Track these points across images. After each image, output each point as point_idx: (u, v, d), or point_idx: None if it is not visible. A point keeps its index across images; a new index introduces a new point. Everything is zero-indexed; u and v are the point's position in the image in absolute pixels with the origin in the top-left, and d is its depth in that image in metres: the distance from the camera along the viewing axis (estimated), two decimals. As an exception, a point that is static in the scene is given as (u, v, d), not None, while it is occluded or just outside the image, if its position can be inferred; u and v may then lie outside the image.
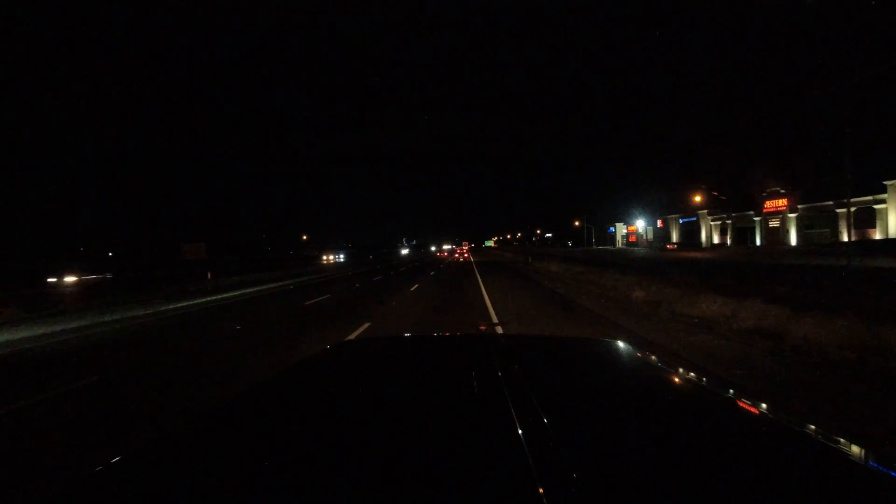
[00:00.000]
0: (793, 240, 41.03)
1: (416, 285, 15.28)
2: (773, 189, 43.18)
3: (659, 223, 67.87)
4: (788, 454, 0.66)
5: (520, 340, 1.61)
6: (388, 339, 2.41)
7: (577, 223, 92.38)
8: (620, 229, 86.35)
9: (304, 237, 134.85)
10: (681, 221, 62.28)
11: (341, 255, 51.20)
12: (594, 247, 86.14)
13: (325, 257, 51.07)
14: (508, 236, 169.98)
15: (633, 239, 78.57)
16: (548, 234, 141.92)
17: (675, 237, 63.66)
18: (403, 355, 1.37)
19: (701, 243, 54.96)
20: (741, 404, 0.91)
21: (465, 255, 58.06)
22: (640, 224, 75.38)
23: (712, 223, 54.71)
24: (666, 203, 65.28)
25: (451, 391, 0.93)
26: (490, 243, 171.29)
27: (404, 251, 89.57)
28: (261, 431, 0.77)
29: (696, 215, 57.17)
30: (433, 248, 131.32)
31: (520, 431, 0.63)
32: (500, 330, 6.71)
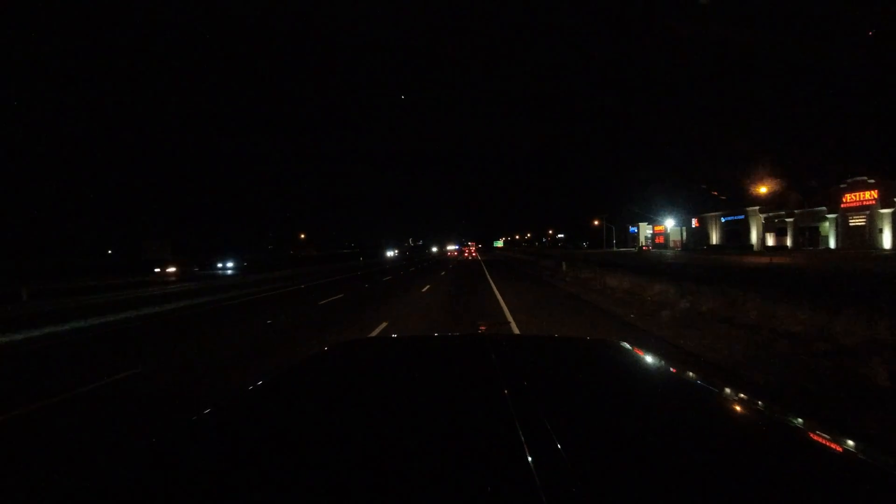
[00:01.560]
0: (886, 242, 32.84)
1: (385, 324, 7.83)
2: (857, 179, 34.97)
3: (694, 222, 59.65)
4: (799, 455, 0.68)
5: (522, 341, 1.69)
6: (392, 338, 2.49)
7: (596, 223, 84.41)
8: (644, 230, 78.11)
9: (302, 235, 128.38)
10: (723, 220, 53.98)
11: (229, 264, 30.11)
12: (615, 249, 78.07)
13: (158, 269, 26.99)
14: (517, 237, 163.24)
15: (660, 240, 70.42)
16: (560, 235, 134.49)
17: (714, 238, 55.40)
18: (405, 357, 1.33)
19: (751, 245, 46.74)
20: (751, 407, 0.90)
21: (473, 254, 58.69)
22: (668, 223, 67.23)
23: (765, 221, 46.52)
24: (703, 199, 57.15)
25: (452, 400, 0.88)
26: (499, 244, 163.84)
27: (389, 253, 66.28)
28: (259, 430, 0.78)
29: (745, 212, 48.96)
30: (434, 249, 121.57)
31: (529, 459, 0.56)
32: None
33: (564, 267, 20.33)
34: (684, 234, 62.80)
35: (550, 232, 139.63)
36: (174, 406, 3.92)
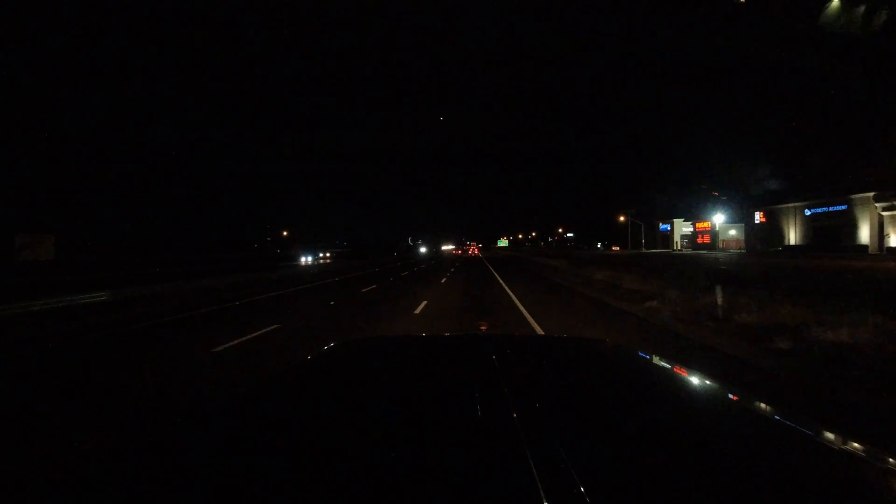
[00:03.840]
0: None
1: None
2: None
3: (759, 216, 46.62)
4: (794, 453, 0.67)
5: (524, 343, 1.64)
6: (393, 338, 2.36)
7: (621, 219, 71.53)
8: (679, 227, 64.95)
9: (285, 233, 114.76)
10: (808, 213, 40.73)
11: None
12: (643, 250, 65.25)
13: None
14: (520, 236, 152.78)
15: (704, 240, 57.48)
16: (569, 234, 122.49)
17: (793, 237, 42.39)
18: (405, 359, 1.29)
19: (862, 246, 33.78)
20: (750, 406, 0.91)
21: (476, 252, 46.92)
22: (717, 219, 54.28)
23: (884, 213, 33.48)
24: (772, 187, 44.16)
25: (452, 401, 0.86)
26: (503, 243, 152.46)
27: (305, 259, 36.19)
28: (258, 430, 0.77)
29: (848, 201, 35.84)
30: (423, 250, 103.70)
31: (535, 475, 0.53)
32: None
33: (720, 299, 7.31)
34: (745, 231, 49.73)
35: (560, 230, 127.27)
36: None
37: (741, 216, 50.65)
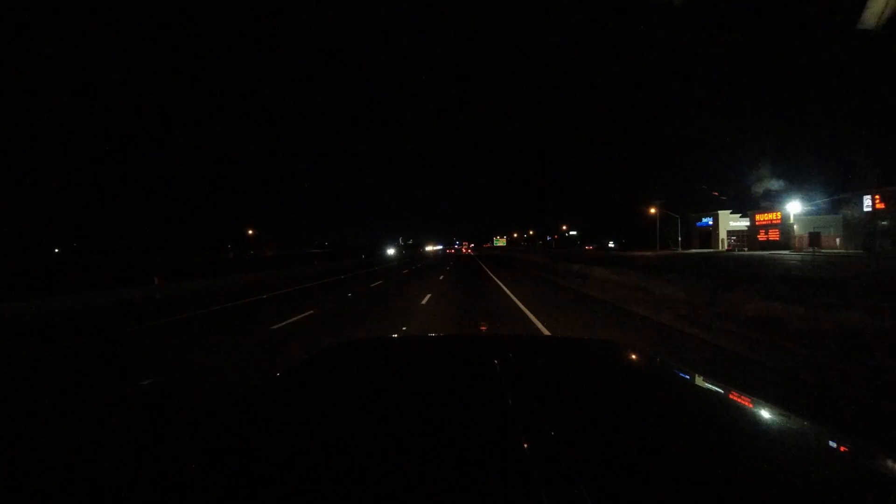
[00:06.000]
0: None
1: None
2: None
3: (869, 202, 33.30)
4: (794, 454, 0.67)
5: (526, 344, 1.61)
6: (392, 339, 2.35)
7: (651, 211, 57.87)
8: (726, 221, 51.92)
9: (251, 231, 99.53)
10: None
11: None
12: (678, 250, 52.09)
13: None
14: (515, 235, 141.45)
15: (767, 237, 44.45)
16: (572, 233, 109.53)
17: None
18: (405, 361, 1.27)
19: None
20: (752, 406, 0.89)
21: (470, 251, 43.35)
22: (792, 208, 41.04)
23: None
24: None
25: (448, 412, 0.83)
26: (500, 242, 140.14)
27: None
28: (257, 432, 0.77)
29: None
30: (391, 252, 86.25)
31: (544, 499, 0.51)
32: None
33: None
34: (843, 223, 36.28)
35: (564, 228, 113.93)
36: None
37: (828, 204, 37.43)
